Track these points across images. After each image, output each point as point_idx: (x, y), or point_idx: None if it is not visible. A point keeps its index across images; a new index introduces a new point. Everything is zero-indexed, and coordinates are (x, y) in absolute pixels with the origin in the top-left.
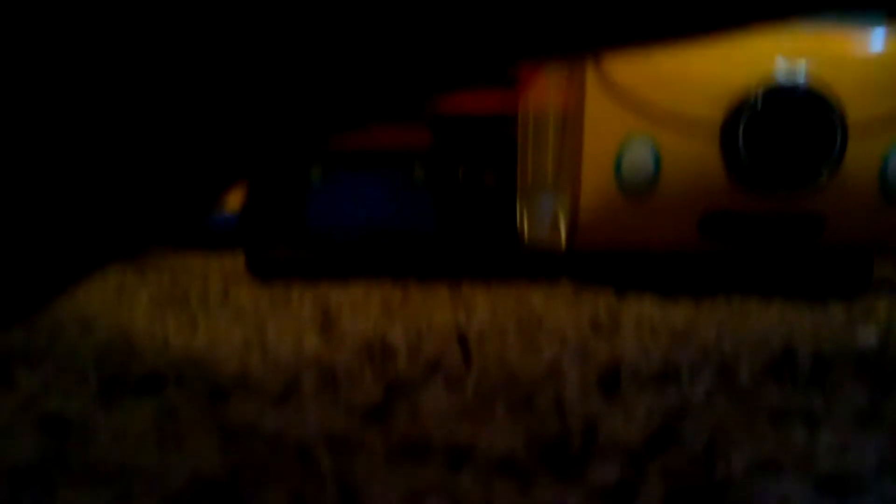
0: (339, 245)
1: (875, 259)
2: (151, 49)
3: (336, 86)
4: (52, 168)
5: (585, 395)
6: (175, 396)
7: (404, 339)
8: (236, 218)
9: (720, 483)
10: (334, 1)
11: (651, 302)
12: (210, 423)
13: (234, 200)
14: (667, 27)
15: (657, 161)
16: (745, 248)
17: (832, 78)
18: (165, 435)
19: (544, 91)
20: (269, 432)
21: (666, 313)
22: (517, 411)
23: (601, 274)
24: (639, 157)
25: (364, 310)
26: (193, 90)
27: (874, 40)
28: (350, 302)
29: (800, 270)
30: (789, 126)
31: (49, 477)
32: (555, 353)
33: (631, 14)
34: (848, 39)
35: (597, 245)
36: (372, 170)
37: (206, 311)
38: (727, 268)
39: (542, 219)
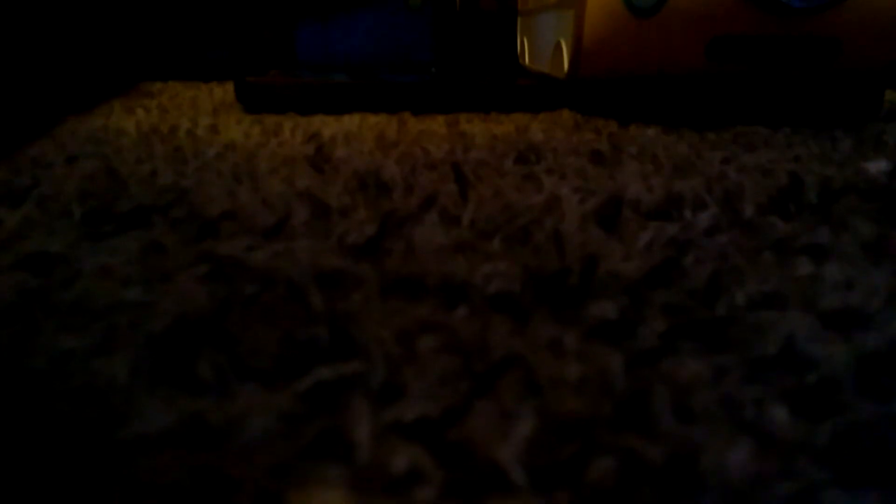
0: (333, 75)
1: (886, 87)
2: None
3: None
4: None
5: (584, 229)
6: (162, 231)
7: (399, 173)
8: (228, 51)
9: (723, 318)
10: None
11: (655, 133)
12: (197, 258)
13: (226, 33)
14: None
15: None
16: (756, 72)
17: None
18: (151, 271)
19: None
20: (259, 268)
21: (670, 144)
22: (514, 246)
23: (604, 105)
24: None
25: (358, 143)
26: None
27: None
28: (344, 135)
29: (807, 98)
30: None
31: (31, 315)
32: (554, 185)
33: None
34: None
35: (601, 70)
36: None
37: (195, 143)
38: (734, 97)
39: (544, 44)
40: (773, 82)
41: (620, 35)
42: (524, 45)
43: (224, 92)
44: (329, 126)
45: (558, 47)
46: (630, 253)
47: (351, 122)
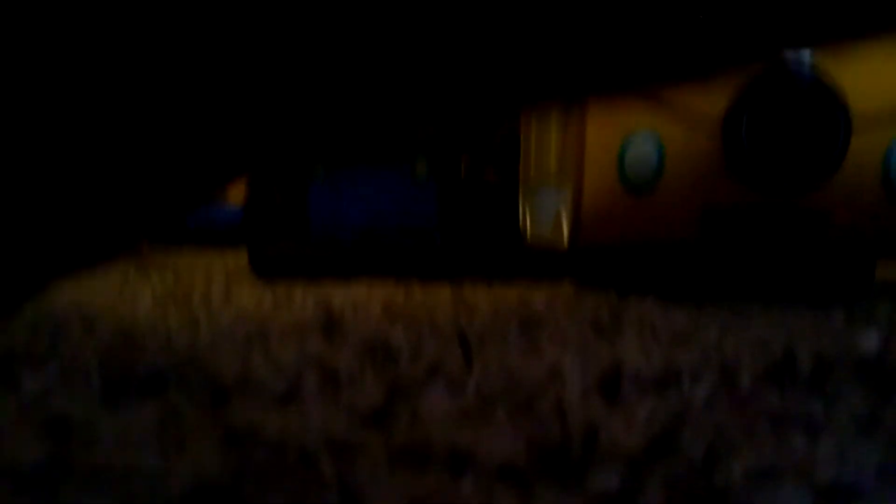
0: (342, 242)
1: (877, 262)
2: (149, 47)
3: (330, 100)
4: (49, 160)
5: (586, 400)
6: (178, 398)
7: (406, 341)
8: (240, 213)
9: (720, 490)
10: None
11: (653, 304)
12: (212, 425)
13: (237, 196)
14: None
15: (660, 156)
16: (749, 244)
17: (836, 71)
18: (168, 437)
19: None
20: (271, 435)
21: (668, 315)
22: (518, 415)
23: (604, 275)
24: (642, 151)
25: (366, 310)
26: (192, 89)
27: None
28: (352, 301)
29: (801, 272)
30: (793, 120)
31: (52, 479)
32: (556, 355)
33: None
34: None
35: (599, 241)
36: (374, 165)
37: (209, 310)
38: (729, 268)
39: (544, 215)
40: (765, 254)
41: (617, 209)
42: (526, 216)
43: (237, 258)
44: (338, 293)
45: (558, 219)
46: (630, 424)
47: (359, 288)
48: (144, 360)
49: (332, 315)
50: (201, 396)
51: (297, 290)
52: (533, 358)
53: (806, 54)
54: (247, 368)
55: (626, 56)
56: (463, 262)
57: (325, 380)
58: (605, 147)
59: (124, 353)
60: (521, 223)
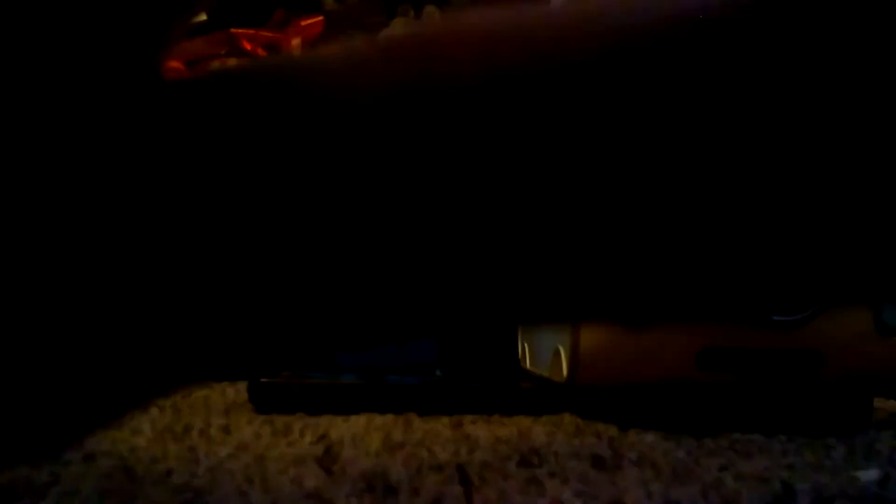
0: (342, 376)
1: (874, 396)
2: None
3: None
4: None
5: None
6: None
7: (405, 475)
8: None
9: None
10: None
11: (654, 439)
12: None
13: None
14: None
15: None
16: (746, 381)
17: None
18: None
19: None
20: None
21: (668, 450)
22: None
23: (604, 409)
24: None
25: (365, 443)
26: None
27: None
28: (351, 435)
29: (799, 406)
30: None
31: None
32: (557, 488)
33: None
34: None
35: (598, 377)
36: None
37: (208, 443)
38: (728, 404)
39: (543, 352)
40: (763, 391)
41: (615, 345)
42: (525, 350)
43: (235, 392)
44: (337, 426)
45: (557, 354)
46: None
47: (358, 421)
48: (143, 494)
49: (331, 448)
50: None
51: (295, 424)
52: (534, 493)
53: None
54: (246, 502)
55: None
56: (463, 396)
57: None
58: None
59: (123, 487)
60: (520, 359)
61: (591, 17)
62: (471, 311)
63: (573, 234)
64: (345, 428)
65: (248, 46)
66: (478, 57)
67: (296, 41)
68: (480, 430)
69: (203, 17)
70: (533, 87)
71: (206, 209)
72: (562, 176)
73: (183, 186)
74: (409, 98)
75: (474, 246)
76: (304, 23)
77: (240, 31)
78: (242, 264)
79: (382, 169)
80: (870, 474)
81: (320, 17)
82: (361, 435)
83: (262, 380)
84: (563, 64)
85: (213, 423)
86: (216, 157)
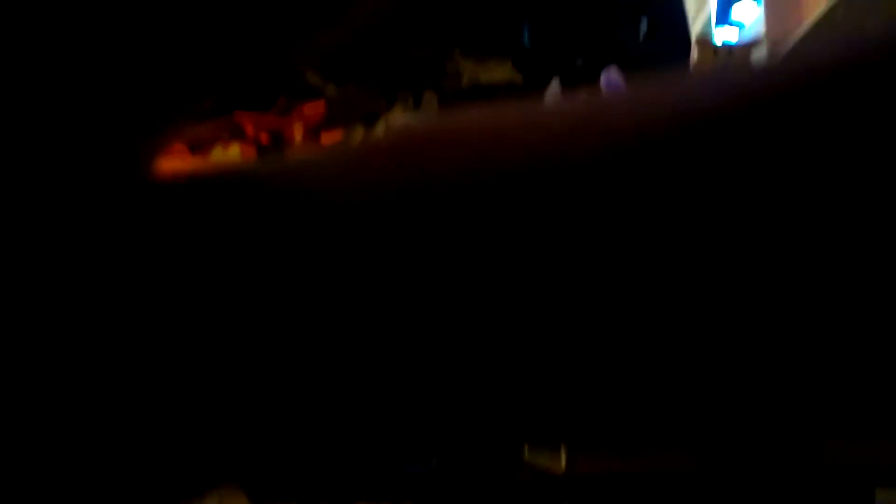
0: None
1: (875, 487)
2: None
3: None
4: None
5: None
6: None
7: None
8: None
9: None
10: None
11: None
12: None
13: None
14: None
15: None
16: (742, 472)
17: None
18: None
19: None
20: None
21: None
22: None
23: (603, 500)
24: None
25: None
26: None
27: None
28: None
29: (800, 498)
30: None
31: None
32: None
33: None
34: None
35: (595, 468)
36: None
37: None
38: (724, 492)
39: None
40: (764, 481)
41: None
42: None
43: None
44: None
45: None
46: None
47: None
48: None
49: None
50: None
51: None
52: None
53: None
54: None
55: None
56: (461, 486)
57: None
58: None
59: None
60: (518, 448)
61: (588, 116)
62: (462, 435)
63: (567, 358)
64: None
65: (250, 131)
66: (474, 158)
67: (298, 126)
68: None
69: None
70: (529, 190)
71: (192, 325)
72: (554, 291)
73: (168, 299)
74: (402, 202)
75: (469, 368)
76: (305, 109)
77: (243, 115)
78: (229, 384)
79: (374, 279)
80: None
81: (321, 103)
82: None
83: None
84: (559, 166)
85: None
86: (204, 267)
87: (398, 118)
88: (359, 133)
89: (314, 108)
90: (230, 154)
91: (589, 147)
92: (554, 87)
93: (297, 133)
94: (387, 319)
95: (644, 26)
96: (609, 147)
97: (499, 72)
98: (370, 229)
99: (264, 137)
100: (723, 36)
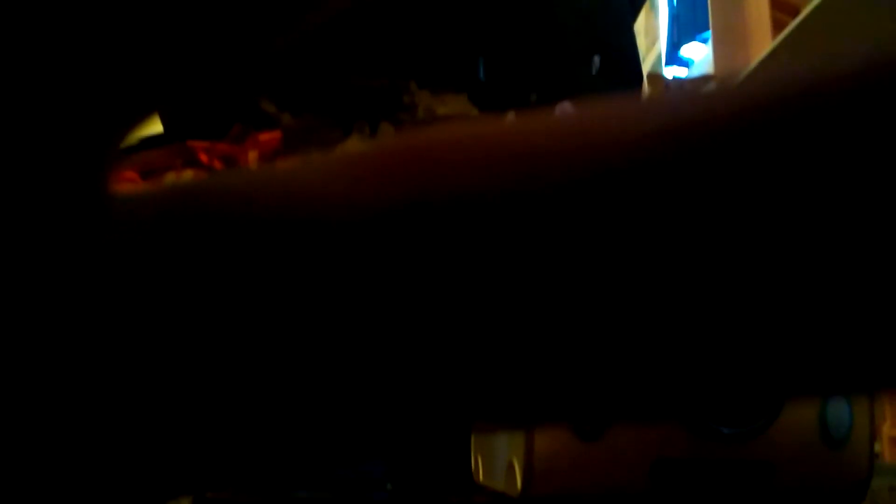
0: (294, 493)
1: None
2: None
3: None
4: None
5: None
6: None
7: None
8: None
9: None
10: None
11: None
12: None
13: None
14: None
15: None
16: (697, 494)
17: None
18: None
19: None
20: None
21: None
22: None
23: None
24: None
25: None
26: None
27: None
28: None
29: None
30: None
31: None
32: None
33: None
34: None
35: (552, 490)
36: None
37: None
38: None
39: (497, 462)
40: (716, 502)
41: (569, 456)
42: (478, 462)
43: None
44: None
45: (511, 466)
46: None
47: None
48: None
49: None
50: None
51: None
52: None
53: None
54: None
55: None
56: None
57: None
58: None
59: None
60: (473, 471)
61: (594, 127)
62: (425, 416)
63: (531, 341)
64: None
65: (204, 159)
66: (480, 169)
67: (252, 155)
68: None
69: (159, 129)
70: (526, 202)
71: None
72: (526, 282)
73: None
74: (406, 214)
75: (434, 349)
76: (261, 137)
77: (196, 143)
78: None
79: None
80: None
81: (277, 133)
82: None
83: (209, 495)
84: (564, 178)
85: None
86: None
87: (354, 148)
88: None
89: (269, 137)
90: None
91: (595, 157)
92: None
93: (252, 161)
94: (380, 320)
95: (597, 62)
96: (601, 158)
97: (454, 104)
98: (363, 238)
99: (218, 165)
100: (672, 73)
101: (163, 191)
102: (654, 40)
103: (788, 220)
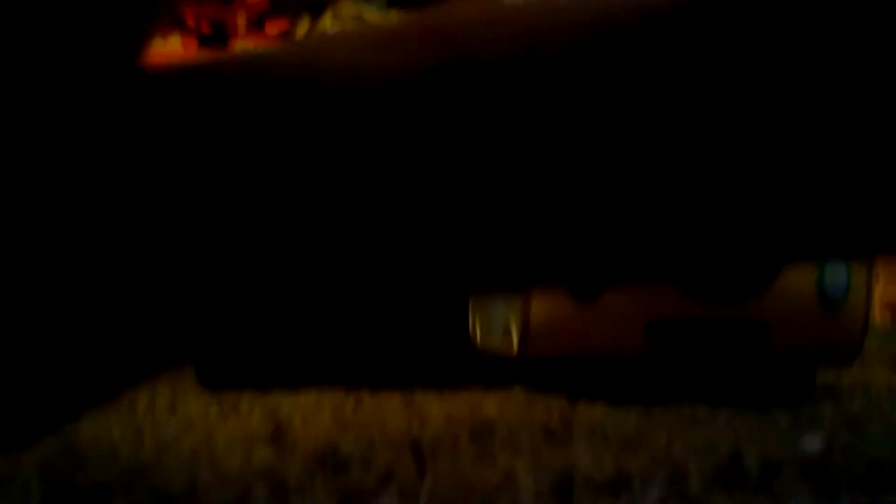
0: (290, 351)
1: (817, 367)
2: None
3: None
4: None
5: None
6: None
7: (357, 450)
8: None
9: None
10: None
11: (603, 409)
12: None
13: None
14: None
15: None
16: (692, 354)
17: None
18: None
19: None
20: None
21: (618, 420)
22: None
23: (554, 382)
24: None
25: (316, 419)
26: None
27: None
28: (301, 411)
29: (745, 378)
30: None
31: None
32: (509, 461)
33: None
34: None
35: (548, 350)
36: None
37: (154, 421)
38: (676, 374)
39: (494, 325)
40: (710, 363)
41: (565, 318)
42: (476, 324)
43: (182, 368)
44: (286, 402)
45: (507, 328)
46: None
47: (308, 397)
48: (87, 471)
49: (281, 425)
50: None
51: (243, 400)
52: (485, 465)
53: None
54: (193, 480)
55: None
56: (414, 370)
57: (274, 491)
58: None
59: (66, 463)
60: (471, 332)
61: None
62: (424, 278)
63: (527, 202)
64: (294, 404)
65: (191, 22)
66: (517, 37)
67: (241, 15)
68: (431, 403)
69: None
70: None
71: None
72: (520, 146)
73: (166, 182)
74: (432, 79)
75: (430, 211)
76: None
77: (184, 5)
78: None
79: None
80: (813, 442)
81: None
82: (312, 411)
83: (209, 355)
84: (573, 43)
85: (158, 400)
86: (208, 150)
87: (346, 7)
88: (305, 22)
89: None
90: (170, 45)
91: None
92: None
93: (241, 23)
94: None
95: None
96: (608, 23)
97: None
98: (390, 103)
99: (206, 27)
100: None
101: (197, 63)
102: None
103: (787, 75)
